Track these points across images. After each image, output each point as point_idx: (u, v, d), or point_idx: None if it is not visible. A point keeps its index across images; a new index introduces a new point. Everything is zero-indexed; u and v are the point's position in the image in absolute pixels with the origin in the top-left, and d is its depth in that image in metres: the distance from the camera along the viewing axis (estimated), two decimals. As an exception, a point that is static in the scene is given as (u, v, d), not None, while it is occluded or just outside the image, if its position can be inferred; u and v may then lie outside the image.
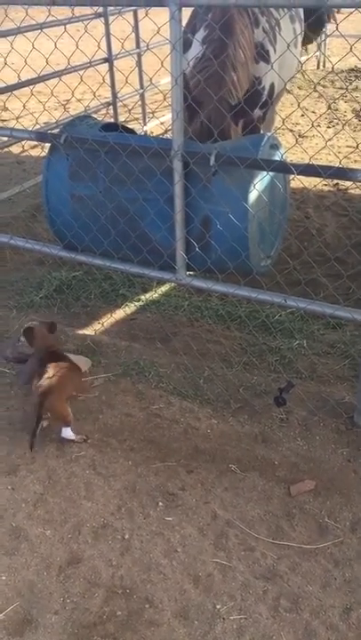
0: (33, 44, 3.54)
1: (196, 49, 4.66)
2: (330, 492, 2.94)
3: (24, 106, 4.16)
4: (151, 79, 3.16)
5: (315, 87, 9.47)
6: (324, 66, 11.76)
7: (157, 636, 2.37)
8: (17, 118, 4.94)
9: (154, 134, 7.80)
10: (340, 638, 2.34)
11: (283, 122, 4.69)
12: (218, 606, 2.47)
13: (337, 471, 3.05)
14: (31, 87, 4.78)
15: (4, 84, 5.05)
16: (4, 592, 2.54)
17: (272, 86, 5.02)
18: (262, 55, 4.76)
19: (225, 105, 4.08)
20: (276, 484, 2.99)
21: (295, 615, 2.43)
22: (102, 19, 6.64)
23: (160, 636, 2.37)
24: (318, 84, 10.00)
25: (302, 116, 8.72)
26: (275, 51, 4.92)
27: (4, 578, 2.60)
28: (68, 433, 3.23)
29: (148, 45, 3.34)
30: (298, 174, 2.94)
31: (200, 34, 4.68)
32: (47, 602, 2.51)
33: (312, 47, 11.77)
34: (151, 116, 8.18)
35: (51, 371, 3.25)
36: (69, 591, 2.55)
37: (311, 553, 2.67)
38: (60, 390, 3.21)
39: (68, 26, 4.31)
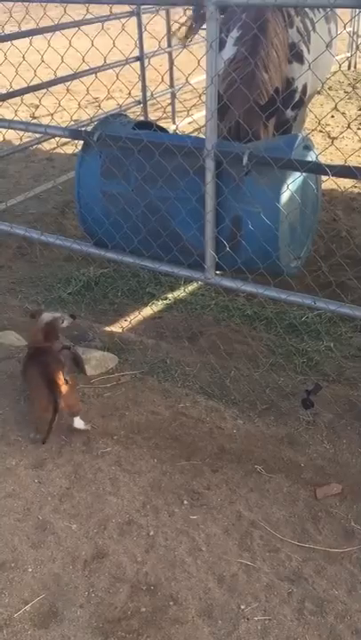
0: (70, 42, 3.57)
1: (229, 49, 4.66)
2: (357, 496, 2.92)
3: (59, 103, 4.19)
4: (187, 78, 3.16)
5: (353, 88, 9.36)
6: (355, 67, 11.66)
7: (181, 633, 2.38)
8: (51, 115, 4.97)
9: (185, 132, 7.80)
10: (364, 644, 2.33)
11: (318, 122, 4.64)
12: (242, 606, 2.47)
13: (364, 475, 3.03)
14: (66, 84, 4.80)
15: (40, 81, 5.10)
16: (30, 584, 2.57)
17: (305, 87, 4.99)
18: (296, 56, 4.74)
19: (256, 105, 4.07)
20: (301, 487, 2.98)
21: (320, 618, 2.42)
22: (136, 17, 6.66)
23: (184, 633, 2.38)
24: (352, 85, 9.91)
25: (333, 116, 8.66)
26: (309, 51, 4.89)
27: (30, 570, 2.62)
28: (79, 423, 3.25)
29: (184, 44, 3.33)
30: (332, 176, 2.92)
31: (234, 34, 4.67)
32: (72, 595, 2.53)
33: (344, 48, 11.70)
34: (185, 114, 8.18)
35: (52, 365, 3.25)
36: (94, 585, 2.57)
37: (337, 557, 2.65)
38: (71, 381, 3.24)
39: (96, 24, 4.34)
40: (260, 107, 4.09)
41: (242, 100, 4.00)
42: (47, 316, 3.46)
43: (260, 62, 4.33)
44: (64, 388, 3.16)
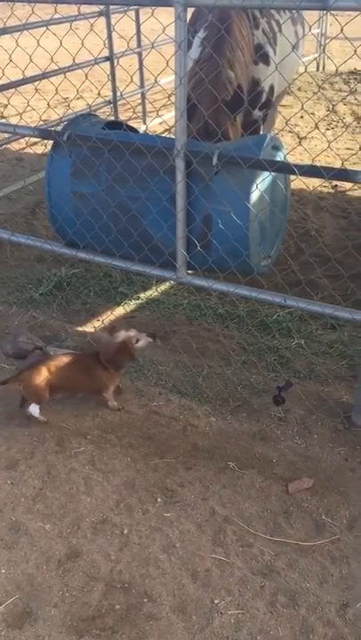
0: (38, 42, 3.55)
1: (195, 50, 4.69)
2: (327, 490, 2.97)
3: (28, 103, 4.17)
4: (156, 78, 3.18)
5: (319, 89, 9.48)
6: (323, 68, 11.80)
7: (156, 629, 2.40)
8: (20, 114, 4.94)
9: (156, 133, 7.82)
10: (336, 634, 2.37)
11: (285, 123, 4.70)
12: (216, 601, 2.49)
13: (334, 470, 3.08)
14: (35, 84, 4.78)
15: (8, 81, 5.06)
16: (4, 585, 2.56)
17: (272, 87, 5.05)
18: (262, 57, 4.79)
19: (221, 104, 4.09)
20: (274, 482, 3.02)
21: (292, 611, 2.46)
22: (105, 17, 6.65)
23: (158, 630, 2.40)
24: (318, 85, 10.04)
25: (302, 117, 8.76)
26: (275, 52, 4.94)
27: (3, 571, 2.61)
28: (34, 409, 3.34)
29: (153, 44, 3.35)
30: (301, 175, 2.96)
31: (200, 34, 4.70)
32: (46, 595, 2.53)
33: (312, 49, 11.84)
34: (154, 115, 8.20)
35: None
36: (68, 585, 2.57)
37: (308, 550, 2.70)
38: (39, 369, 3.30)
39: (65, 24, 4.32)
40: (226, 104, 4.12)
41: (208, 98, 4.03)
42: (122, 335, 3.37)
43: (226, 61, 4.37)
44: (31, 376, 3.26)
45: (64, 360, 3.39)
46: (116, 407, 3.47)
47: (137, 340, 3.39)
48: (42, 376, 3.28)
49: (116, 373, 3.42)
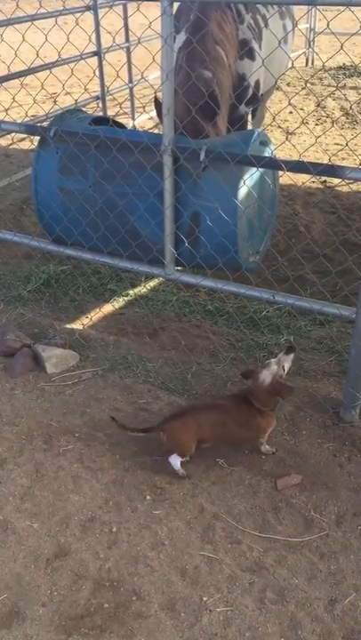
0: (23, 37, 3.52)
1: (176, 51, 4.63)
2: (316, 486, 2.97)
3: (13, 98, 4.13)
4: (142, 73, 3.16)
5: (306, 84, 9.48)
6: (312, 63, 11.80)
7: (144, 627, 2.39)
8: (6, 110, 4.90)
9: (144, 128, 7.79)
10: (325, 629, 2.38)
11: (273, 119, 4.69)
12: (204, 598, 2.49)
13: (323, 465, 3.08)
14: (21, 79, 4.74)
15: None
16: (-8, 585, 2.55)
17: (258, 83, 5.02)
18: (247, 52, 4.76)
19: (197, 109, 4.01)
20: (262, 479, 3.02)
21: (281, 607, 2.46)
22: (92, 12, 6.61)
23: (147, 627, 2.39)
24: (307, 81, 10.03)
25: (291, 112, 8.76)
26: (261, 47, 4.92)
27: (-9, 570, 2.60)
28: (174, 461, 3.00)
29: (139, 39, 3.33)
30: (288, 171, 2.96)
31: (180, 36, 4.63)
32: (34, 594, 2.52)
33: (301, 44, 11.83)
34: (141, 110, 8.17)
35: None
36: (57, 584, 2.56)
37: (297, 546, 2.70)
38: (187, 421, 2.98)
39: (51, 19, 4.29)
40: (202, 109, 4.02)
41: (184, 104, 3.97)
42: (267, 375, 2.96)
43: (202, 64, 4.28)
44: (177, 427, 2.96)
45: (214, 410, 3.04)
46: (271, 451, 3.14)
47: (283, 369, 2.98)
48: (190, 429, 2.96)
49: (273, 414, 3.06)
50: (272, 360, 3.00)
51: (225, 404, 3.06)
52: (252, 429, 3.03)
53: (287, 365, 2.99)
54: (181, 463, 3.00)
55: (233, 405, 3.03)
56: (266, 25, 4.99)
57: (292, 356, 3.00)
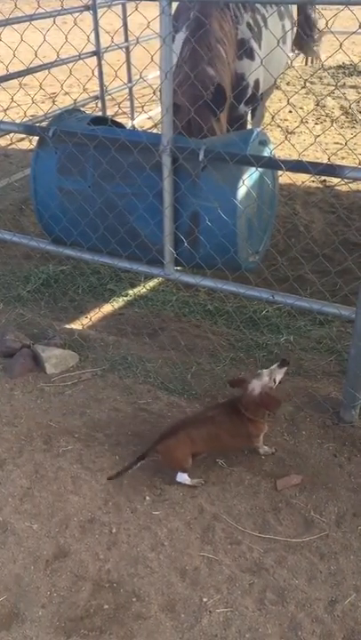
0: (22, 37, 3.52)
1: (177, 49, 4.63)
2: (316, 486, 2.97)
3: (12, 98, 4.12)
4: (140, 73, 3.15)
5: (305, 84, 9.47)
6: (312, 62, 11.77)
7: (144, 629, 2.39)
8: (5, 110, 4.90)
9: (143, 128, 7.78)
10: (325, 630, 2.37)
11: (272, 118, 4.68)
12: (204, 599, 2.49)
13: (323, 466, 3.08)
14: (19, 79, 4.74)
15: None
16: (-9, 586, 2.54)
17: (257, 82, 5.02)
18: (246, 52, 4.76)
19: (203, 103, 4.03)
20: (262, 479, 3.01)
21: (281, 608, 2.45)
22: (91, 11, 6.60)
23: (147, 629, 2.39)
24: (307, 80, 10.02)
25: (290, 112, 8.75)
26: (260, 47, 4.91)
27: (-10, 572, 2.60)
28: (182, 478, 2.98)
29: (137, 39, 3.32)
30: (287, 170, 2.95)
31: (181, 34, 4.64)
32: (34, 595, 2.51)
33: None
34: (140, 110, 8.16)
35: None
36: (56, 585, 2.55)
37: (297, 546, 2.69)
38: (178, 437, 2.94)
39: (50, 19, 4.28)
40: (206, 104, 4.05)
41: (190, 100, 3.98)
42: (256, 385, 2.93)
43: (205, 60, 4.30)
44: (171, 446, 2.92)
45: (205, 423, 2.99)
46: (270, 451, 3.13)
47: (274, 381, 2.96)
48: (184, 446, 2.93)
49: (263, 420, 3.02)
50: (264, 371, 2.98)
51: (215, 415, 3.01)
52: (244, 437, 3.02)
53: (278, 378, 2.97)
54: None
55: (224, 416, 2.99)
56: (266, 25, 4.99)
57: (284, 369, 2.98)
